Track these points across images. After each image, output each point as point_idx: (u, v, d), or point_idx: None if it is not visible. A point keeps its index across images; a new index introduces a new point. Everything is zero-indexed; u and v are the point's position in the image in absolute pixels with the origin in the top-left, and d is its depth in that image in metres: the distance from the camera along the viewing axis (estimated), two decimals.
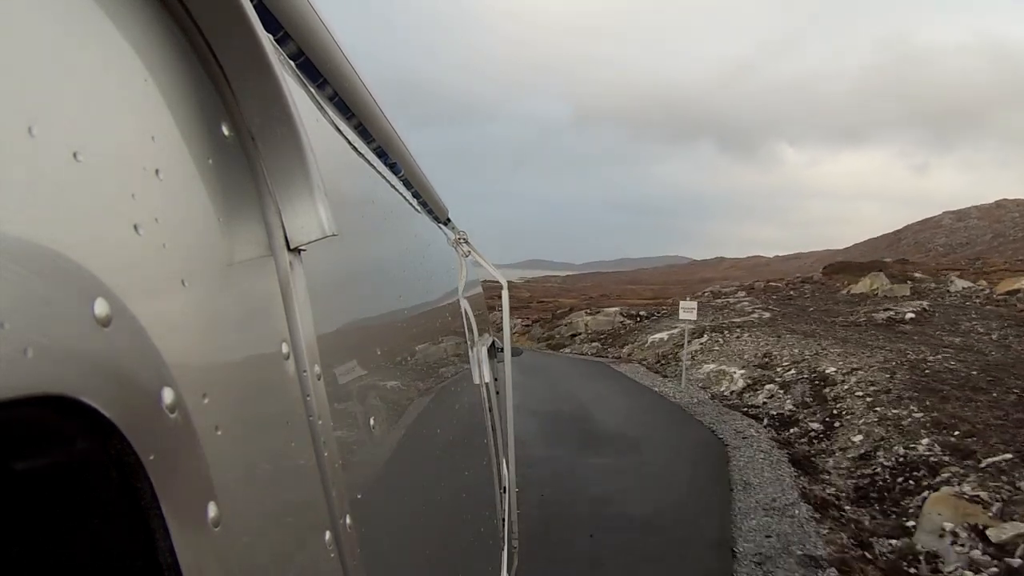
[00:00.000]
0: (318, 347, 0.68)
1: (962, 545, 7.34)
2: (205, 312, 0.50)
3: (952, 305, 23.45)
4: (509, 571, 2.87)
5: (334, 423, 0.70)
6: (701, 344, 21.41)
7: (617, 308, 36.37)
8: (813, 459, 11.31)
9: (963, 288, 25.97)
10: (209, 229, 0.54)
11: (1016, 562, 6.84)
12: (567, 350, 31.60)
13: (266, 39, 0.60)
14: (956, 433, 10.65)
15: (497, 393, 3.28)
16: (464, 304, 2.44)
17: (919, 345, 16.85)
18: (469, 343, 2.39)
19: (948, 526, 7.58)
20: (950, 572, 7.15)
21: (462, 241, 2.68)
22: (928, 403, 12.04)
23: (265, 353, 0.60)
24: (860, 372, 14.60)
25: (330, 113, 1.11)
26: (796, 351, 17.83)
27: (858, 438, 11.69)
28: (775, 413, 14.21)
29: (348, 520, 0.70)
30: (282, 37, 0.89)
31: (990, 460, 9.36)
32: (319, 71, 1.04)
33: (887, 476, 10.11)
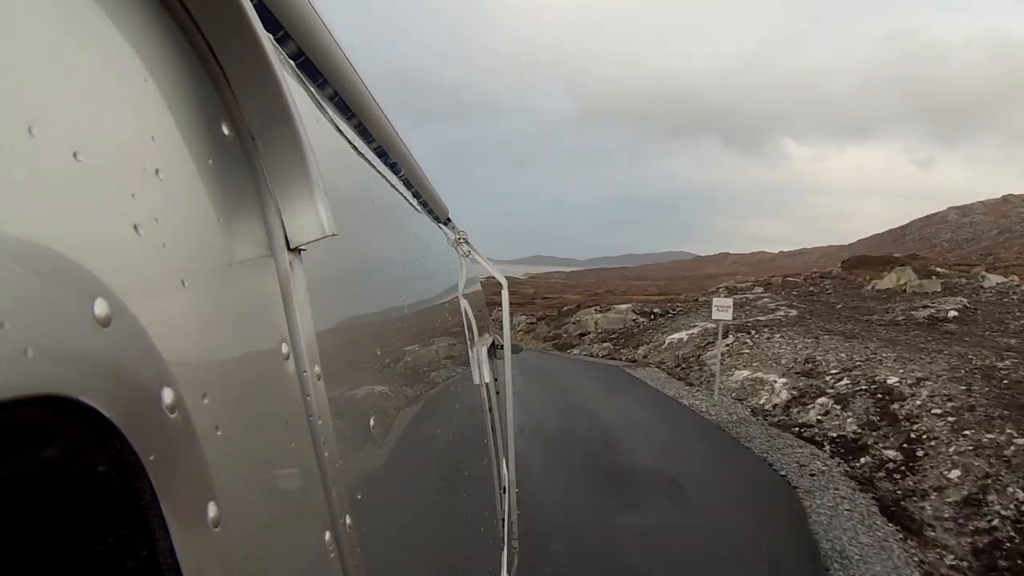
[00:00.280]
0: (318, 347, 0.68)
1: None
2: (205, 312, 0.50)
3: (991, 302, 21.55)
4: (509, 571, 2.87)
5: (334, 423, 0.70)
6: (728, 346, 18.73)
7: (629, 305, 33.78)
8: (904, 505, 8.84)
9: (997, 284, 24.04)
10: (209, 229, 0.54)
11: None
12: (575, 351, 29.18)
13: (266, 39, 0.60)
14: None
15: (497, 393, 3.28)
16: (464, 304, 2.44)
17: (976, 348, 14.70)
18: (469, 343, 2.39)
19: None
20: None
21: (462, 241, 2.68)
22: None
23: (265, 353, 0.60)
24: (928, 383, 12.26)
25: (330, 113, 1.11)
26: (843, 356, 15.41)
27: (954, 474, 9.23)
28: (836, 436, 11.74)
29: (348, 520, 0.70)
30: (282, 37, 0.89)
31: None
32: (319, 71, 1.04)
33: (1012, 533, 7.69)
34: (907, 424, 11.14)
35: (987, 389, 11.60)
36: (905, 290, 24.54)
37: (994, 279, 24.69)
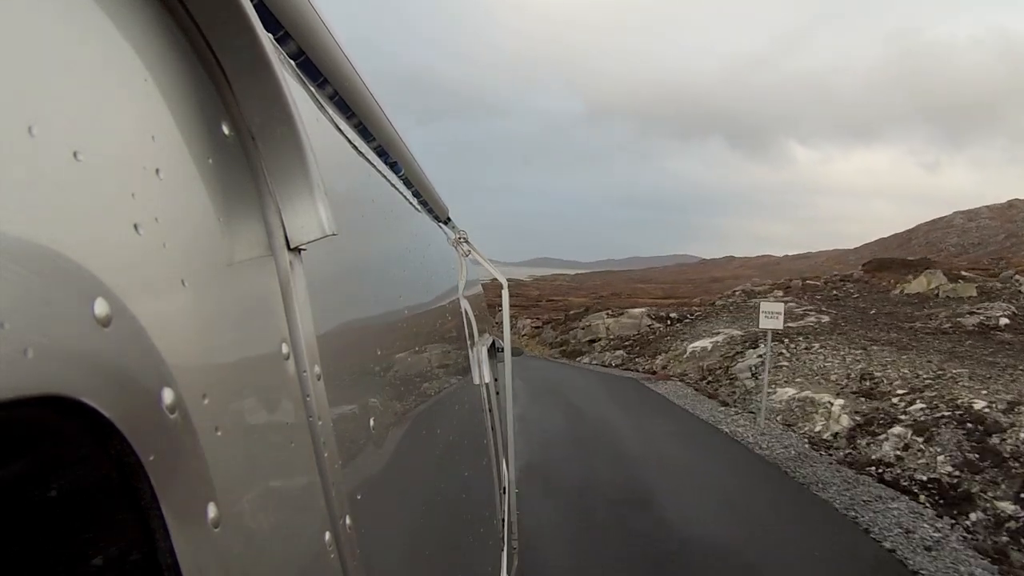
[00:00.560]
0: (318, 347, 0.68)
1: None
2: (205, 312, 0.50)
3: None
4: (509, 571, 2.87)
5: (334, 423, 0.70)
6: (760, 357, 16.38)
7: (643, 309, 31.05)
8: None
9: None
10: (209, 229, 0.54)
11: None
12: (585, 359, 26.64)
13: (266, 39, 0.60)
14: None
15: (497, 393, 3.28)
16: (464, 304, 2.44)
17: None
18: (469, 343, 2.39)
19: None
20: None
21: (462, 240, 2.68)
22: None
23: (265, 353, 0.60)
24: None
25: (330, 113, 1.11)
26: (905, 371, 13.21)
27: None
28: (927, 479, 9.17)
29: (348, 520, 0.70)
30: (282, 37, 0.89)
31: None
32: (319, 71, 1.04)
33: None
34: (1017, 465, 8.75)
35: None
36: (938, 294, 22.96)
37: None
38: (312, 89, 1.03)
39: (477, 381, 2.43)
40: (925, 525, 7.80)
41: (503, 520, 2.96)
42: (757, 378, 15.65)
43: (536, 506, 7.58)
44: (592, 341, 29.07)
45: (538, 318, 37.93)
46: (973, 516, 8.12)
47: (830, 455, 10.80)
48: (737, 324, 22.52)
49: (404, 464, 1.14)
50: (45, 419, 0.33)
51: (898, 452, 10.23)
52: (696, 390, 17.19)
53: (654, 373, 20.86)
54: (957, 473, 9.18)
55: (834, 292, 26.78)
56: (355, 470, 0.81)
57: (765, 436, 11.95)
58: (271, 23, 0.83)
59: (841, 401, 12.80)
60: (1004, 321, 17.85)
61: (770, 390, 14.15)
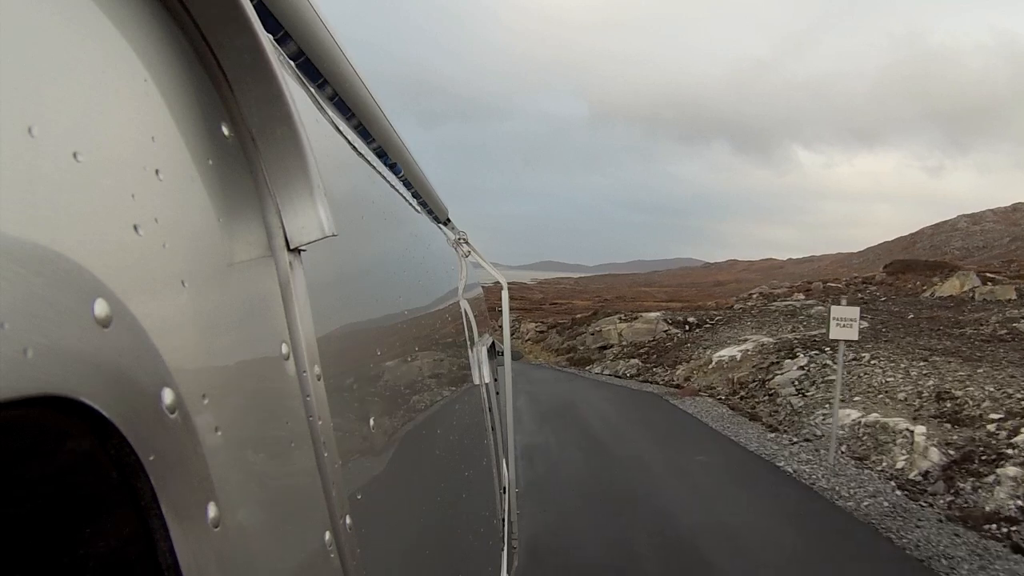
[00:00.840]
0: (318, 347, 0.68)
1: None
2: (205, 312, 0.50)
3: None
4: (509, 571, 2.87)
5: (334, 423, 0.70)
6: (802, 370, 14.50)
7: (659, 313, 28.07)
8: None
9: None
10: (209, 229, 0.54)
11: None
12: (596, 368, 24.04)
13: (266, 39, 0.60)
14: None
15: (497, 394, 3.28)
16: (464, 305, 2.44)
17: None
18: (469, 344, 2.39)
19: None
20: None
21: (462, 241, 2.68)
22: None
23: (265, 353, 0.60)
24: None
25: (330, 113, 1.11)
26: (990, 389, 11.01)
27: None
28: None
29: (348, 520, 0.70)
30: (282, 37, 0.89)
31: None
32: (319, 71, 1.04)
33: None
34: None
35: None
36: (973, 297, 21.46)
37: None
38: (312, 90, 1.03)
39: (477, 381, 2.43)
40: None
41: (503, 520, 2.96)
42: (804, 395, 13.36)
43: None
44: (603, 348, 26.52)
45: (542, 321, 35.68)
46: None
47: (930, 505, 8.42)
48: (765, 330, 20.53)
49: (404, 464, 1.14)
50: (45, 419, 0.33)
51: (1020, 502, 7.90)
52: (732, 409, 14.62)
53: (678, 387, 18.46)
54: None
55: (860, 295, 25.19)
56: (355, 470, 0.81)
57: (840, 478, 9.39)
58: (271, 24, 0.83)
59: (922, 428, 10.23)
60: None
61: (825, 411, 11.97)
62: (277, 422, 0.60)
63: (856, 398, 12.56)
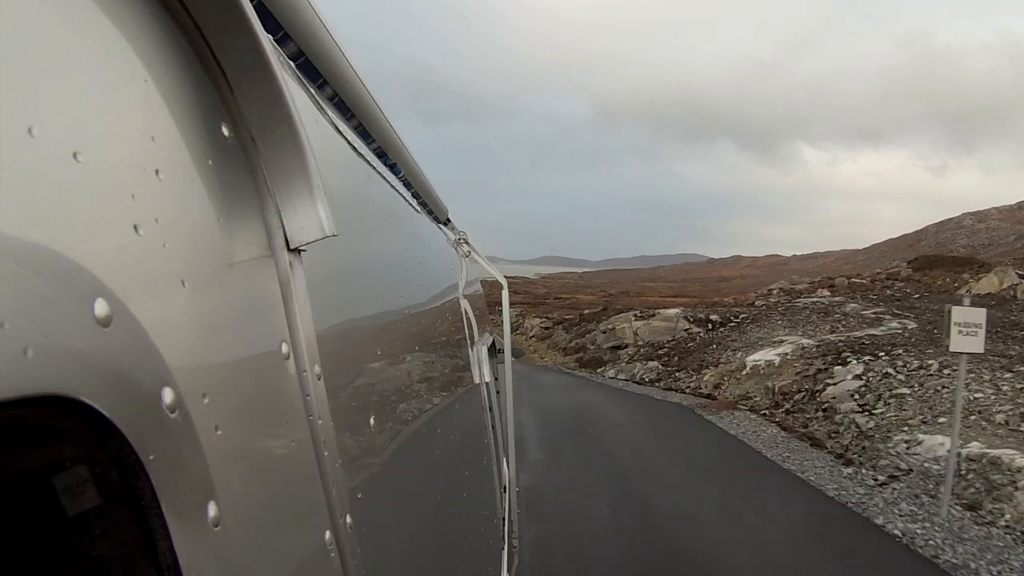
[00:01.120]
0: (318, 347, 0.68)
1: None
2: (205, 312, 0.50)
3: None
4: (509, 570, 2.87)
5: (334, 423, 0.70)
6: (859, 380, 12.26)
7: (678, 310, 25.19)
8: None
9: None
10: (209, 229, 0.54)
11: None
12: (610, 371, 21.50)
13: (266, 39, 0.60)
14: None
15: (497, 392, 3.28)
16: (464, 304, 2.44)
17: None
18: (469, 343, 2.40)
19: None
20: None
21: (462, 241, 2.68)
22: None
23: (265, 353, 0.60)
24: None
25: (330, 113, 1.11)
26: None
27: None
28: None
29: (348, 520, 0.70)
30: (282, 37, 0.89)
31: None
32: (319, 71, 1.04)
33: None
34: None
35: None
36: (1015, 295, 19.92)
37: None
38: (312, 90, 1.03)
39: (477, 380, 2.43)
40: None
41: (503, 519, 2.96)
42: (871, 412, 10.77)
43: None
44: (616, 348, 23.81)
45: (547, 317, 32.69)
46: None
47: None
48: (800, 330, 18.47)
49: (404, 463, 1.14)
50: (45, 419, 0.33)
51: None
52: (782, 428, 11.99)
53: (710, 397, 15.68)
54: None
55: (888, 291, 23.62)
56: (355, 470, 0.81)
57: (966, 544, 6.83)
58: (271, 24, 0.83)
59: None
60: None
61: (905, 435, 9.63)
62: (277, 422, 0.60)
63: (941, 419, 10.02)
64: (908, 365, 12.68)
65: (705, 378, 17.41)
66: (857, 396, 12.15)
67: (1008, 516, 7.49)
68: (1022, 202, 73.29)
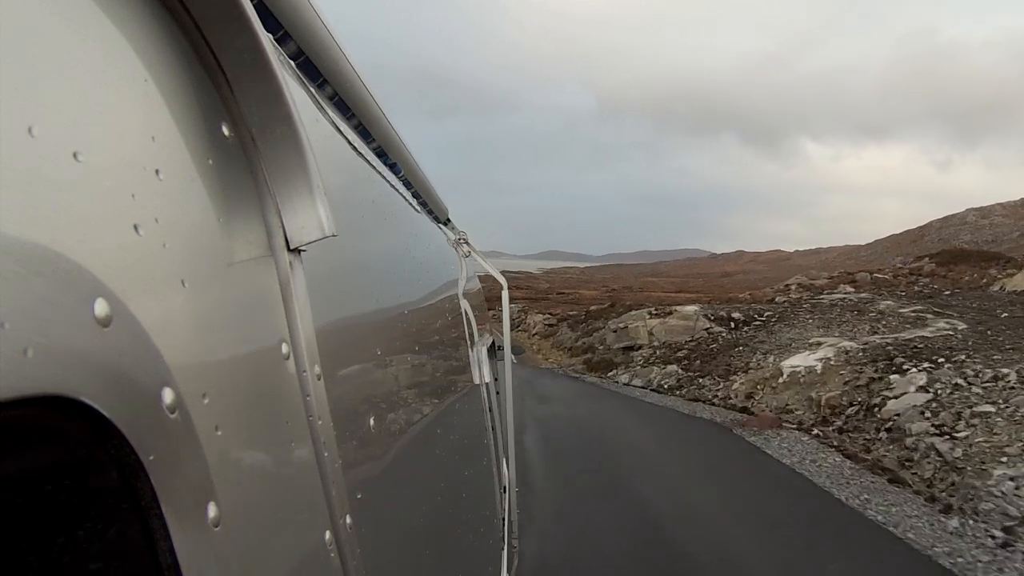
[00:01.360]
0: (318, 347, 0.68)
1: None
2: (205, 312, 0.50)
3: None
4: (509, 571, 2.87)
5: (334, 423, 0.70)
6: (926, 392, 10.19)
7: (696, 307, 22.69)
8: None
9: None
10: (209, 229, 0.54)
11: None
12: (623, 375, 19.19)
13: (266, 39, 0.60)
14: None
15: (497, 393, 3.28)
16: (464, 304, 2.44)
17: None
18: (469, 343, 2.40)
19: None
20: None
21: (462, 241, 2.68)
22: None
23: (265, 353, 0.60)
24: None
25: (330, 113, 1.11)
26: None
27: None
28: None
29: (348, 520, 0.70)
30: (282, 37, 0.89)
31: None
32: (319, 70, 1.04)
33: None
34: None
35: None
36: None
37: None
38: (312, 90, 1.03)
39: (477, 381, 2.43)
40: None
41: (503, 519, 2.96)
42: (953, 436, 8.69)
43: None
44: (629, 349, 21.52)
45: (551, 313, 30.41)
46: None
47: None
48: (837, 330, 16.43)
49: (404, 464, 1.14)
50: (45, 419, 0.33)
51: None
52: (846, 456, 9.55)
53: (746, 412, 13.16)
54: None
55: (917, 288, 21.89)
56: (355, 470, 0.81)
57: None
58: (271, 23, 0.83)
59: None
60: None
61: (1006, 468, 7.71)
62: (277, 422, 0.60)
63: None
64: (980, 375, 10.34)
65: (734, 386, 15.00)
66: (928, 414, 9.83)
67: None
68: None
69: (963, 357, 11.47)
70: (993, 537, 6.91)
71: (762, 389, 14.19)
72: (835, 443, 10.28)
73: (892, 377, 10.87)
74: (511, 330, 3.15)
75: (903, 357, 12.17)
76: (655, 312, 23.05)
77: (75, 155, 0.38)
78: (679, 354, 19.42)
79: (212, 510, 0.45)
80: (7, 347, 0.30)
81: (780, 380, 14.00)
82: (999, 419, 9.10)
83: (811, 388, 12.89)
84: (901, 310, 17.15)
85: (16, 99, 0.35)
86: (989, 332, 13.42)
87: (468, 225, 2.68)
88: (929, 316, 15.91)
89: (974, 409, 9.52)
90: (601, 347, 23.16)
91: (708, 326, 20.72)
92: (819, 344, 14.83)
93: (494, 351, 3.51)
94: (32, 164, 0.35)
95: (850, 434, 10.67)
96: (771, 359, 15.39)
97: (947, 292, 21.02)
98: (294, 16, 0.87)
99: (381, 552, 0.87)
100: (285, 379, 0.62)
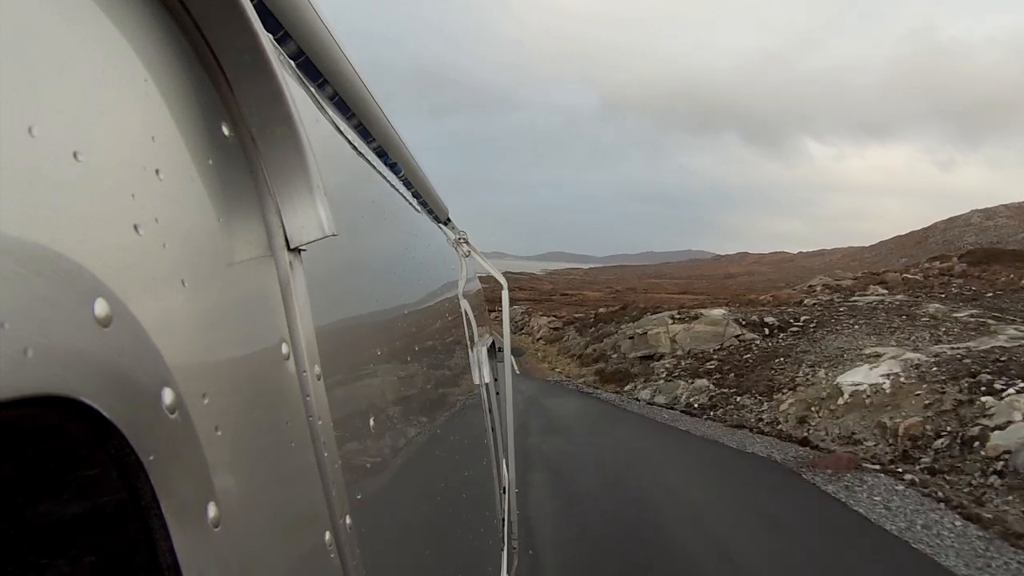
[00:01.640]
0: (318, 347, 0.68)
1: None
2: (205, 312, 0.50)
3: None
4: (509, 571, 2.87)
5: (334, 423, 0.70)
6: None
7: (723, 311, 20.10)
8: None
9: None
10: (209, 229, 0.54)
11: None
12: (643, 390, 16.62)
13: (266, 39, 0.60)
14: None
15: (497, 394, 3.28)
16: (464, 304, 2.44)
17: None
18: (469, 343, 2.40)
19: None
20: None
21: (462, 241, 2.68)
22: None
23: (265, 353, 0.60)
24: None
25: (330, 113, 1.11)
26: None
27: None
28: None
29: (348, 520, 0.70)
30: (282, 37, 0.89)
31: None
32: (319, 70, 1.04)
33: None
34: None
35: None
36: None
37: None
38: (312, 90, 1.03)
39: (477, 381, 2.43)
40: None
41: (503, 520, 2.96)
42: None
43: None
44: (647, 358, 18.98)
45: (556, 315, 27.42)
46: None
47: None
48: (892, 338, 14.30)
49: (404, 464, 1.14)
50: (45, 419, 0.33)
51: None
52: (962, 515, 7.20)
53: (810, 446, 10.38)
54: None
55: (955, 289, 20.45)
56: (355, 470, 0.81)
57: None
58: (271, 23, 0.83)
59: None
60: None
61: None
62: (277, 422, 0.60)
63: None
64: None
65: (782, 407, 12.31)
66: None
67: None
68: None
69: None
70: None
71: (818, 412, 11.79)
72: (938, 492, 7.87)
73: (985, 400, 8.91)
74: (513, 333, 3.16)
75: (989, 373, 10.04)
76: (678, 316, 20.34)
77: (75, 155, 0.38)
78: (708, 365, 16.87)
79: (212, 510, 0.45)
80: (7, 347, 0.30)
81: (840, 401, 11.50)
82: None
83: (881, 412, 10.47)
84: (955, 314, 15.17)
85: (16, 99, 0.35)
86: None
87: (469, 225, 2.68)
88: (991, 322, 13.90)
89: None
90: (615, 355, 20.44)
91: (739, 332, 18.34)
92: (877, 355, 12.55)
93: (494, 352, 3.51)
94: (32, 164, 0.35)
95: (946, 476, 8.32)
96: (821, 373, 13.07)
97: (989, 294, 19.35)
98: (294, 16, 0.87)
99: (381, 553, 0.87)
100: (285, 379, 0.62)
